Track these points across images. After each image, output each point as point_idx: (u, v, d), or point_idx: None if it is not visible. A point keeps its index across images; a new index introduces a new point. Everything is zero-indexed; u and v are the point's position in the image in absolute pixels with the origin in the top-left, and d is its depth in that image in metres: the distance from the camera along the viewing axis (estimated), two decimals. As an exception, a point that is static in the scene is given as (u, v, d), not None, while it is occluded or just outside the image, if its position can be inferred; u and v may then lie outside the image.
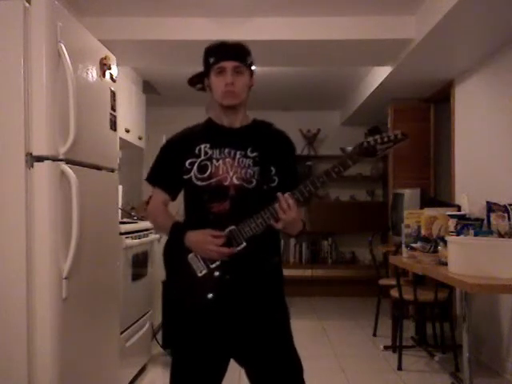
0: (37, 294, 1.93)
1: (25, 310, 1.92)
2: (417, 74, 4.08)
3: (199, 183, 1.73)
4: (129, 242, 2.99)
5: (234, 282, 1.70)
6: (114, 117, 2.61)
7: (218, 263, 1.69)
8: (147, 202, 5.10)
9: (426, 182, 4.83)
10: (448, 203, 3.94)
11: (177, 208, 1.86)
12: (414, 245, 3.05)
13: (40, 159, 1.94)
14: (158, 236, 3.69)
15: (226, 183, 1.71)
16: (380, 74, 4.38)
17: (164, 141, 1.93)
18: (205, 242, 1.67)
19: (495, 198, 3.08)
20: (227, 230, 1.67)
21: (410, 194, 4.27)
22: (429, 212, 3.16)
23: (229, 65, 1.72)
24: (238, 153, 1.74)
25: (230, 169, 1.72)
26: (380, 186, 6.43)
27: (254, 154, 1.74)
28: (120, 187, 3.21)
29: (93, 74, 2.33)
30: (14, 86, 1.92)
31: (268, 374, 1.74)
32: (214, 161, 1.73)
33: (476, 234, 2.76)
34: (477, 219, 2.97)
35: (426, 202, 3.85)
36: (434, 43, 3.29)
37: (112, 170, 2.61)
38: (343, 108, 6.22)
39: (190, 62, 4.24)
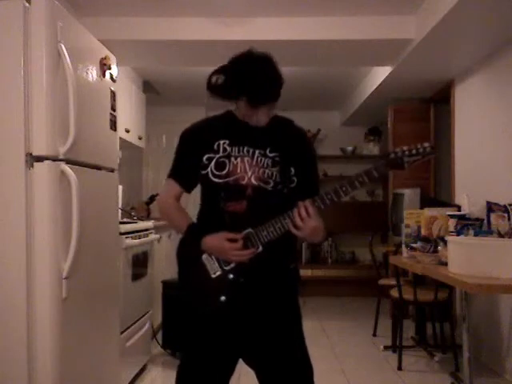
0: (37, 294, 1.93)
1: (25, 310, 1.92)
2: (417, 74, 4.08)
3: (216, 180, 1.69)
4: (129, 241, 2.99)
5: (247, 286, 1.68)
6: (114, 117, 2.61)
7: (232, 265, 1.67)
8: (147, 203, 5.10)
9: (425, 182, 4.83)
10: (448, 203, 3.94)
11: (185, 204, 1.82)
12: (413, 245, 3.05)
13: (40, 159, 1.94)
14: (157, 236, 3.70)
15: (244, 182, 1.67)
16: (380, 73, 4.38)
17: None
18: (222, 248, 1.64)
19: (495, 198, 3.08)
20: (244, 232, 1.64)
21: (409, 194, 4.28)
22: (429, 212, 3.15)
23: (266, 107, 1.66)
24: (258, 152, 1.70)
25: (248, 168, 1.68)
26: (380, 186, 6.43)
27: (274, 154, 1.70)
28: (120, 187, 3.21)
29: (93, 74, 2.33)
30: (14, 86, 1.92)
31: (278, 376, 1.71)
32: (233, 158, 1.69)
33: (476, 234, 2.76)
34: (477, 219, 2.97)
35: (426, 202, 3.85)
36: (433, 43, 3.30)
37: (112, 170, 2.61)
38: (343, 108, 6.22)
39: (190, 62, 4.27)
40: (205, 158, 1.70)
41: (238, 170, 1.68)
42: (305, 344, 1.76)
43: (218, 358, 1.74)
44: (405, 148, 1.57)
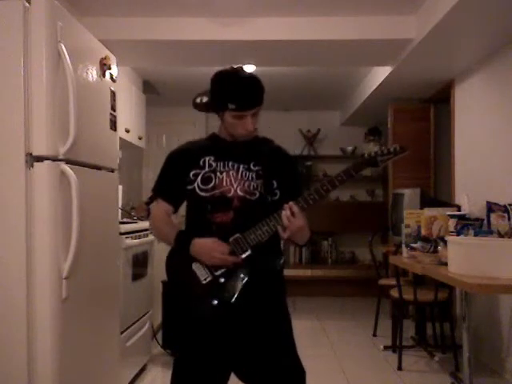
0: (37, 294, 1.93)
1: (25, 310, 1.92)
2: (417, 74, 4.08)
3: (203, 194, 1.76)
4: (129, 241, 2.99)
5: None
6: (114, 117, 2.61)
7: (222, 270, 1.72)
8: (147, 203, 5.12)
9: (426, 182, 4.83)
10: (448, 203, 3.94)
11: (178, 220, 1.88)
12: (413, 245, 3.05)
13: (40, 159, 1.94)
14: (157, 236, 3.69)
15: (230, 195, 1.74)
16: (380, 74, 4.38)
17: (163, 143, 1.95)
18: (210, 250, 1.69)
19: (495, 198, 3.08)
20: (232, 237, 1.69)
21: (409, 194, 4.27)
22: (429, 212, 3.16)
23: (249, 113, 1.72)
24: (242, 166, 1.77)
25: (233, 181, 1.75)
26: (380, 186, 6.43)
27: (257, 168, 1.78)
28: (120, 187, 3.21)
29: (93, 74, 2.33)
30: (14, 86, 1.92)
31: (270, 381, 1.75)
32: (218, 173, 1.76)
33: (476, 234, 2.76)
34: (477, 219, 2.97)
35: (426, 201, 3.85)
36: (434, 43, 3.29)
37: (112, 170, 2.61)
38: (343, 108, 6.22)
39: (190, 62, 4.27)
40: (191, 174, 1.78)
41: (224, 184, 1.75)
42: (295, 348, 1.80)
43: (211, 361, 1.77)
44: (376, 149, 1.73)
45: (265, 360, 1.74)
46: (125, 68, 4.16)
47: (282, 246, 1.89)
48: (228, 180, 1.75)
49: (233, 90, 1.70)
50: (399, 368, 3.45)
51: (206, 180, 1.76)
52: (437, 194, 4.88)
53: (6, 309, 1.93)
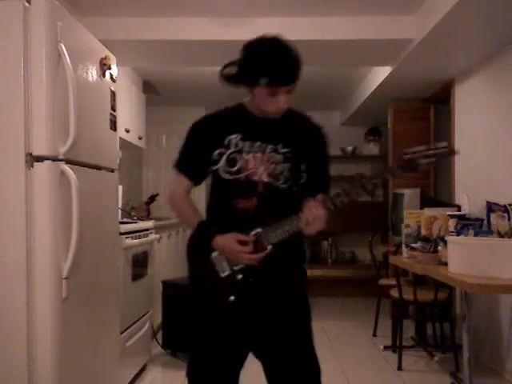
0: (37, 294, 1.93)
1: (25, 310, 1.92)
2: (417, 74, 4.08)
3: (226, 176, 1.66)
4: (129, 241, 2.99)
5: (256, 285, 1.67)
6: (114, 117, 2.61)
7: (241, 266, 1.66)
8: (147, 203, 5.10)
9: (425, 182, 4.83)
10: (448, 203, 3.94)
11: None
12: (413, 245, 3.05)
13: (40, 159, 1.94)
14: (157, 236, 3.70)
15: (255, 178, 1.65)
16: (380, 74, 4.38)
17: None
18: (233, 250, 1.62)
19: (495, 198, 3.08)
20: (253, 233, 1.63)
21: (409, 194, 4.27)
22: (429, 212, 3.15)
23: (283, 89, 1.59)
24: (269, 147, 1.66)
25: (259, 164, 1.65)
26: (380, 186, 6.43)
27: (285, 150, 1.67)
28: (120, 187, 3.21)
29: (93, 74, 2.33)
30: (14, 86, 1.92)
31: (286, 374, 1.72)
32: (244, 154, 1.65)
33: (476, 234, 2.76)
34: (477, 219, 2.97)
35: (426, 201, 3.85)
36: (434, 43, 3.29)
37: (112, 170, 2.61)
38: (343, 108, 6.22)
39: (190, 62, 4.27)
40: (215, 154, 1.67)
41: (250, 166, 1.65)
42: (313, 345, 1.77)
43: (227, 353, 1.73)
44: (421, 148, 1.51)
45: (281, 352, 1.70)
46: (125, 68, 4.16)
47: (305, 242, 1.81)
48: (254, 162, 1.65)
49: (267, 63, 1.56)
50: (399, 368, 3.45)
51: (230, 161, 1.65)
52: (437, 194, 4.88)
53: (5, 309, 1.93)
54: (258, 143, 1.66)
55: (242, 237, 1.62)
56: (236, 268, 1.66)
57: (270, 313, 1.71)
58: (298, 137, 1.71)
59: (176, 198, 1.79)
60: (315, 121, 1.82)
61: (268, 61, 1.56)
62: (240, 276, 1.66)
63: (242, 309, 1.68)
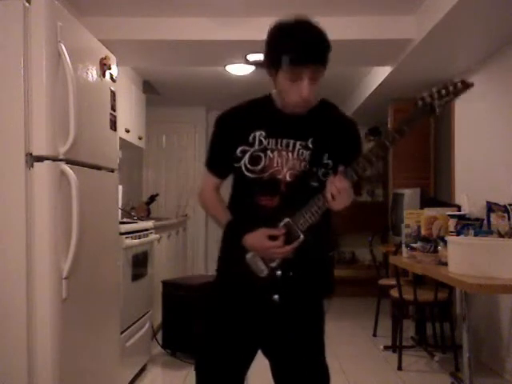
0: (37, 294, 1.93)
1: (25, 310, 1.92)
2: (417, 74, 4.08)
3: (249, 175, 1.60)
4: (129, 241, 2.99)
5: (298, 279, 1.62)
6: (114, 117, 2.61)
7: (277, 262, 1.58)
8: (147, 203, 5.09)
9: (426, 182, 4.83)
10: (448, 203, 3.94)
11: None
12: (414, 245, 3.05)
13: (40, 159, 1.94)
14: (157, 236, 3.70)
15: (279, 177, 1.58)
16: (380, 74, 4.38)
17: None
18: (265, 248, 1.55)
19: (495, 198, 3.08)
20: (282, 223, 1.55)
21: (410, 194, 4.27)
22: (429, 212, 3.15)
23: (306, 72, 1.48)
24: (299, 144, 1.58)
25: (284, 163, 1.58)
26: (380, 186, 6.43)
27: (314, 146, 1.59)
28: (120, 187, 3.21)
29: (93, 74, 2.33)
30: (14, 86, 1.92)
31: (295, 376, 1.68)
32: (269, 152, 1.58)
33: (476, 234, 2.76)
34: (477, 219, 2.97)
35: (426, 201, 3.85)
36: (434, 43, 3.29)
37: (112, 170, 2.61)
38: (343, 108, 6.14)
39: (190, 62, 4.27)
40: (239, 151, 1.60)
41: (274, 165, 1.58)
42: (324, 352, 1.75)
43: (238, 348, 1.68)
44: (434, 90, 1.42)
45: (292, 358, 1.67)
46: (125, 68, 4.16)
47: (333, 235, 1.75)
48: (279, 160, 1.57)
49: (289, 40, 1.46)
50: (399, 368, 3.45)
51: (254, 160, 1.58)
52: (437, 194, 4.88)
53: (6, 309, 1.93)
54: (284, 141, 1.58)
55: (272, 231, 1.55)
56: (273, 265, 1.59)
57: (288, 313, 1.66)
58: (328, 131, 1.63)
59: (205, 196, 1.75)
60: (347, 115, 1.75)
61: (288, 39, 1.47)
62: (279, 272, 1.59)
63: (284, 305, 1.63)
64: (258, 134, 1.59)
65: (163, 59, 4.06)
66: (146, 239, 3.33)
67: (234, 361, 1.69)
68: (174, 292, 3.64)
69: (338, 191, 1.46)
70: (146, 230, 3.41)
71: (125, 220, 3.64)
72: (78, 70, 2.15)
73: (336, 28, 3.43)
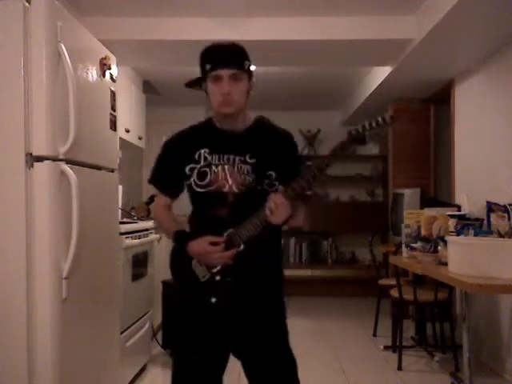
0: (37, 294, 1.93)
1: (25, 310, 1.92)
2: (417, 74, 4.08)
3: (199, 189, 1.75)
4: (129, 241, 2.99)
5: (234, 284, 1.73)
6: (114, 117, 2.61)
7: (218, 268, 1.72)
8: (147, 203, 5.12)
9: (426, 182, 4.83)
10: (448, 203, 3.94)
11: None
12: (414, 245, 3.05)
13: (40, 159, 1.94)
14: (157, 236, 3.70)
15: (225, 190, 1.72)
16: (380, 74, 4.38)
17: (163, 140, 1.93)
18: (206, 252, 1.69)
19: (495, 198, 3.08)
20: (226, 233, 1.70)
21: (410, 194, 4.27)
22: (429, 212, 3.15)
23: (225, 73, 1.68)
24: (238, 159, 1.74)
25: (228, 175, 1.73)
26: (380, 186, 6.43)
27: (253, 161, 1.74)
28: (120, 187, 3.21)
29: (93, 74, 2.33)
30: (14, 86, 1.92)
31: (263, 370, 1.78)
32: (213, 167, 1.74)
33: (476, 234, 2.76)
34: (477, 219, 2.97)
35: (426, 201, 3.85)
36: (434, 43, 3.29)
37: (112, 170, 2.61)
38: (343, 108, 6.22)
39: (190, 62, 4.26)
40: (187, 169, 1.77)
41: (219, 178, 1.73)
42: (288, 339, 1.82)
43: (210, 355, 1.79)
44: (365, 123, 1.61)
45: (256, 348, 1.77)
46: (125, 68, 4.16)
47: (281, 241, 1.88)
48: (223, 174, 1.73)
49: (209, 50, 1.75)
50: (399, 368, 3.45)
51: (201, 175, 1.75)
52: (437, 194, 4.88)
53: (6, 309, 1.93)
54: (225, 156, 1.74)
55: (213, 238, 1.69)
56: (214, 270, 1.73)
57: (247, 311, 1.77)
58: (264, 146, 1.77)
59: (156, 212, 1.95)
60: (279, 126, 1.88)
61: (208, 50, 1.75)
62: (218, 277, 1.72)
63: (223, 309, 1.75)
64: (202, 151, 1.76)
65: (163, 59, 4.06)
66: (145, 239, 3.33)
67: (205, 365, 1.79)
68: (174, 292, 3.64)
69: (276, 206, 1.58)
70: (146, 230, 3.41)
71: (125, 220, 3.64)
72: (78, 70, 2.15)
73: (336, 28, 3.44)
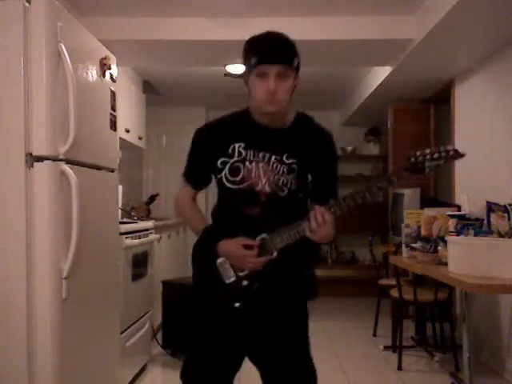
0: (37, 294, 1.93)
1: (25, 310, 1.92)
2: (417, 74, 4.08)
3: (230, 185, 1.66)
4: (129, 242, 2.99)
5: (261, 291, 1.66)
6: (114, 117, 2.61)
7: (246, 272, 1.64)
8: (147, 203, 5.09)
9: (426, 182, 4.83)
10: (448, 203, 3.94)
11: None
12: (414, 245, 3.05)
13: (40, 159, 1.94)
14: (157, 236, 3.70)
15: (258, 188, 1.63)
16: (380, 74, 4.38)
17: (196, 128, 1.78)
18: (238, 255, 1.61)
19: (495, 198, 3.08)
20: (259, 238, 1.61)
21: (410, 194, 4.27)
22: (429, 212, 3.15)
23: (273, 70, 1.55)
24: (274, 157, 1.64)
25: (262, 174, 1.63)
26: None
27: (291, 161, 1.64)
28: (120, 187, 3.21)
29: (93, 74, 2.33)
30: (14, 86, 1.92)
31: (282, 379, 1.71)
32: (247, 163, 1.64)
33: (476, 234, 2.76)
34: (477, 219, 2.97)
35: (426, 202, 3.85)
36: (434, 43, 3.29)
37: (112, 170, 2.61)
38: (343, 108, 6.22)
39: (190, 62, 4.27)
40: (219, 162, 1.67)
41: (253, 176, 1.63)
42: (309, 350, 1.76)
43: (224, 357, 1.73)
44: (427, 151, 1.51)
45: (277, 358, 1.70)
46: (125, 68, 4.16)
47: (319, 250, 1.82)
48: (257, 172, 1.63)
49: (256, 44, 1.61)
50: (399, 368, 3.45)
51: (234, 171, 1.64)
52: (437, 194, 4.88)
53: (6, 309, 1.93)
54: (261, 153, 1.64)
55: (248, 241, 1.61)
56: (241, 274, 1.65)
57: (270, 320, 1.70)
58: (305, 147, 1.68)
59: (181, 205, 1.83)
60: (322, 127, 1.80)
61: (255, 43, 1.62)
62: (245, 282, 1.65)
63: (245, 315, 1.68)
64: (237, 145, 1.66)
65: (163, 59, 4.06)
66: (145, 239, 3.33)
67: (218, 367, 1.73)
68: (174, 292, 3.64)
69: (324, 221, 1.51)
70: (146, 229, 3.41)
71: (125, 220, 3.64)
72: (78, 70, 2.15)
73: (336, 28, 3.44)
